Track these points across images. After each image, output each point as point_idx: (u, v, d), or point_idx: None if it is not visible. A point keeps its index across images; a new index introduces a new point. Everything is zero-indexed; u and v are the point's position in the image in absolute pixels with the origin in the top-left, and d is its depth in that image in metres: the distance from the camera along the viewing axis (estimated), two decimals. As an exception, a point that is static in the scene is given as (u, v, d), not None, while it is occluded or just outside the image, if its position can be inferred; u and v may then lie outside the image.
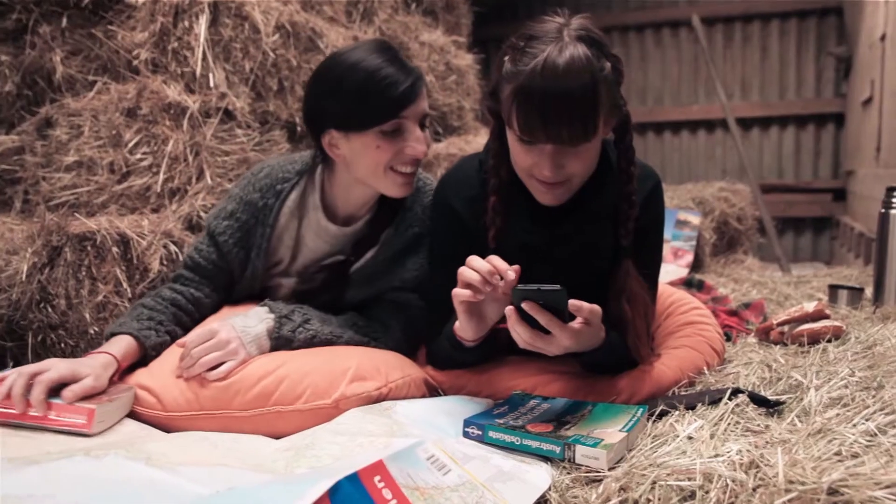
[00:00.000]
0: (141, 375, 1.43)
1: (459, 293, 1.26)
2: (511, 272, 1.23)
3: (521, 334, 1.21)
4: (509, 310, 1.21)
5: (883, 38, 4.38)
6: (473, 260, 1.25)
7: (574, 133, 1.22)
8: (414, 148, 1.48)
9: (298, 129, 2.60)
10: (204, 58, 2.29)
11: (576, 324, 1.21)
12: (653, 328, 1.57)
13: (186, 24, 2.28)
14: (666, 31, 6.68)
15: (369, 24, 3.15)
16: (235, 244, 1.63)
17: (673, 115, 6.67)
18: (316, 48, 2.68)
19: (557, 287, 1.17)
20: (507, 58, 1.27)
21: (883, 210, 2.06)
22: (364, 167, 1.51)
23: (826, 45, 6.27)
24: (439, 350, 1.48)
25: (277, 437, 1.32)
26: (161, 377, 1.41)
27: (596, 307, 1.22)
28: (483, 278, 1.23)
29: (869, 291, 2.16)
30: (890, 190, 2.07)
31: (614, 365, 1.40)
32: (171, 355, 1.46)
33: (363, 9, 3.15)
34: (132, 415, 1.37)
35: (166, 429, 1.36)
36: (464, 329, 1.35)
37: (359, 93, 1.44)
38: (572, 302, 1.18)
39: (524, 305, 1.19)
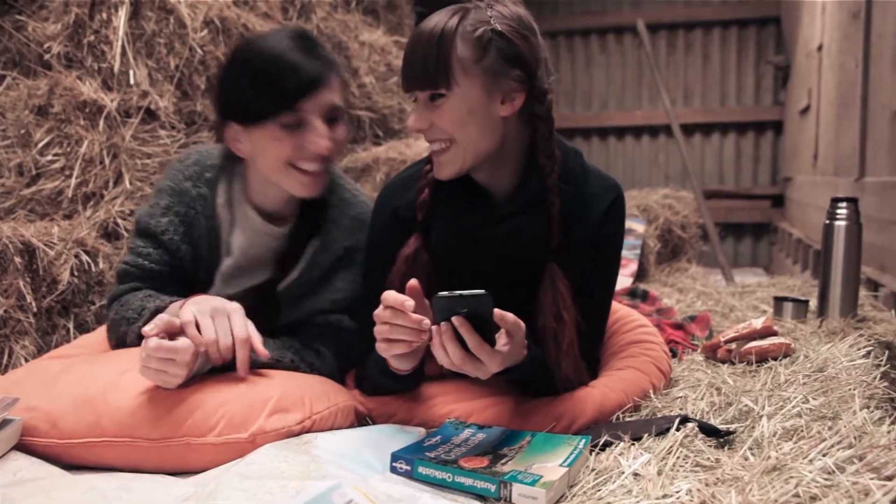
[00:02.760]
0: (34, 397, 1.27)
1: (388, 350, 1.18)
2: (408, 302, 1.14)
3: (450, 355, 1.11)
4: (437, 329, 1.11)
5: (819, 48, 4.44)
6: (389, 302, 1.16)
7: (419, 75, 1.25)
8: (315, 143, 1.36)
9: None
10: (123, 53, 2.14)
11: (502, 346, 1.12)
12: (599, 351, 1.49)
13: (104, 16, 2.13)
14: (611, 37, 6.70)
15: (307, 21, 3.02)
16: (182, 240, 1.47)
17: (617, 121, 6.69)
18: (248, 45, 2.55)
19: (481, 292, 1.08)
20: None
21: (827, 221, 2.03)
22: (265, 163, 1.40)
23: (765, 54, 6.38)
24: (368, 375, 1.37)
25: (185, 473, 1.19)
26: (59, 399, 1.25)
27: (519, 321, 1.14)
28: (415, 330, 1.14)
29: (813, 303, 2.13)
30: (834, 201, 2.04)
31: (541, 382, 1.31)
32: (72, 373, 1.31)
33: (300, 6, 3.02)
34: (20, 447, 1.22)
35: (63, 458, 1.22)
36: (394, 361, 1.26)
37: (256, 81, 1.34)
38: (496, 312, 1.10)
39: (455, 322, 1.09)
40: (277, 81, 1.34)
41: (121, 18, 2.11)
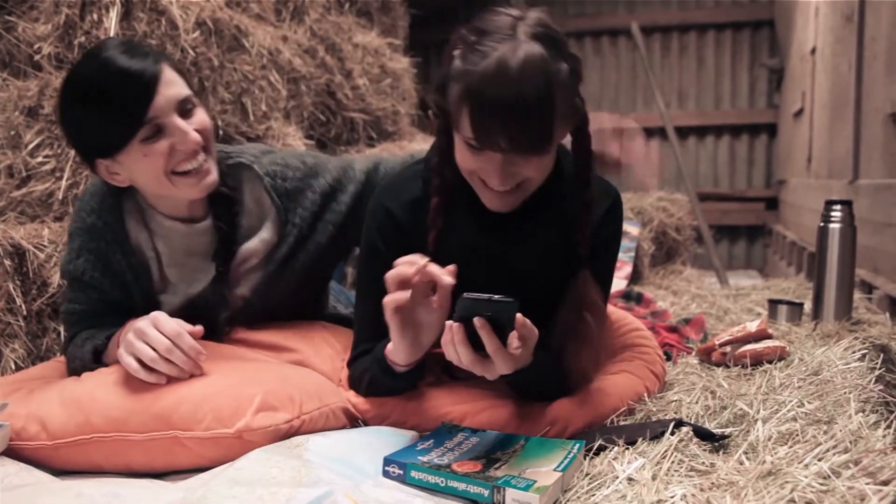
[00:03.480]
0: (22, 402, 1.27)
1: (391, 299, 1.18)
2: (446, 277, 1.14)
3: (462, 356, 1.11)
4: (453, 326, 1.10)
5: (813, 51, 4.45)
6: (402, 261, 1.16)
7: (526, 142, 1.12)
8: (183, 142, 1.33)
9: (221, 132, 2.44)
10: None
11: (515, 349, 1.11)
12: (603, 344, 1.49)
13: (95, 17, 2.10)
14: (605, 39, 6.70)
15: (300, 23, 3.01)
16: (102, 275, 1.46)
17: (611, 123, 6.68)
18: (241, 47, 2.53)
19: (510, 299, 1.07)
20: (456, 52, 1.16)
21: (822, 224, 2.03)
22: (146, 182, 1.38)
23: (759, 57, 6.39)
24: (364, 374, 1.35)
25: (173, 472, 1.19)
26: (46, 401, 1.25)
27: (534, 328, 1.14)
28: (418, 270, 1.14)
29: (808, 306, 2.12)
30: (828, 204, 2.03)
31: (543, 386, 1.30)
32: (55, 384, 1.31)
33: (293, 7, 3.01)
34: (9, 452, 1.21)
35: (52, 462, 1.22)
36: (396, 350, 1.25)
37: (97, 111, 1.29)
38: (518, 318, 1.09)
39: (477, 323, 1.08)
40: (117, 102, 1.28)
41: (112, 19, 2.09)
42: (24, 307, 1.77)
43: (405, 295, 1.18)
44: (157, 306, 1.49)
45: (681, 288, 2.85)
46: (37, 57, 2.12)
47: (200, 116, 1.37)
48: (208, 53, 2.36)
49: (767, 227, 6.23)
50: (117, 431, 1.20)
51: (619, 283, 2.83)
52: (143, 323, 1.26)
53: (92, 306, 1.48)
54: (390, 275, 1.18)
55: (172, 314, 1.35)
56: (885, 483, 0.88)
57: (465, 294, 1.10)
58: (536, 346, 1.19)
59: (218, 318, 1.52)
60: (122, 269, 1.46)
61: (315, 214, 1.53)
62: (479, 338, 1.10)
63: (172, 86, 1.32)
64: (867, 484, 0.88)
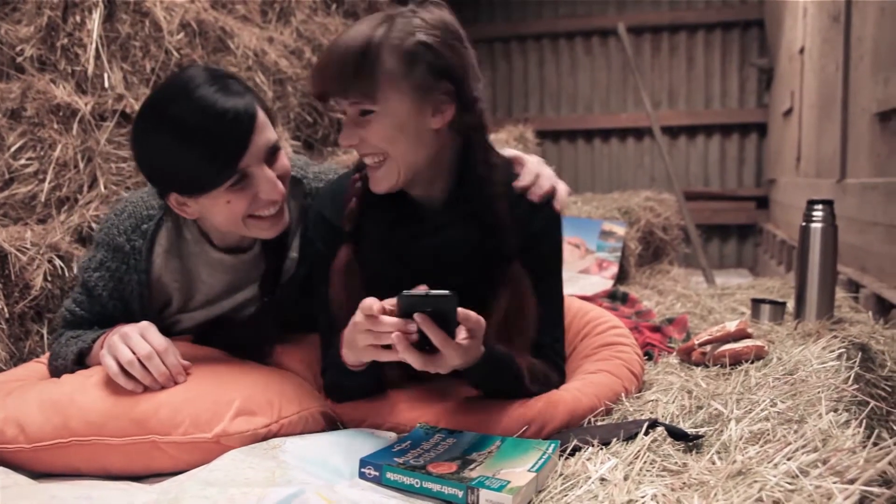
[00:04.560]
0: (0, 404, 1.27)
1: (376, 355, 1.17)
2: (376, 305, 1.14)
3: (410, 362, 1.12)
4: (397, 337, 1.11)
5: (802, 51, 4.46)
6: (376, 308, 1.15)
7: (342, 87, 1.21)
8: (267, 193, 1.32)
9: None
10: (97, 56, 2.12)
11: (462, 339, 1.12)
12: (567, 351, 1.48)
13: (77, 18, 2.11)
14: (596, 40, 6.71)
15: (286, 24, 3.01)
16: (110, 296, 1.45)
17: (602, 123, 6.70)
18: (226, 48, 2.53)
19: (447, 292, 1.08)
20: None
21: (804, 223, 2.04)
22: (221, 221, 1.36)
23: (749, 57, 6.40)
24: (331, 379, 1.36)
25: (151, 476, 1.20)
26: (25, 404, 1.25)
27: (481, 319, 1.15)
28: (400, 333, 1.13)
29: (791, 305, 2.13)
30: (810, 203, 2.04)
31: (502, 381, 1.30)
32: (34, 386, 1.30)
33: (279, 8, 3.00)
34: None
35: (30, 465, 1.22)
36: (347, 354, 1.26)
37: (190, 152, 1.25)
38: (460, 310, 1.11)
39: (417, 318, 1.09)
40: (212, 148, 1.25)
41: (95, 21, 2.09)
42: (6, 310, 1.77)
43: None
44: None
45: (667, 287, 2.86)
46: (19, 59, 2.12)
47: (283, 161, 1.36)
48: (193, 55, 2.36)
49: (758, 227, 6.25)
50: (95, 435, 1.20)
51: (604, 282, 2.84)
52: (130, 329, 1.27)
53: (92, 317, 1.47)
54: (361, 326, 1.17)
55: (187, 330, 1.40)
56: (852, 482, 0.89)
57: (403, 292, 1.11)
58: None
59: (264, 341, 1.52)
60: (132, 296, 1.45)
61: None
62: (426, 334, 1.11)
63: (264, 131, 1.30)
64: (834, 483, 0.89)
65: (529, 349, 1.33)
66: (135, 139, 1.34)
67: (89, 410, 1.22)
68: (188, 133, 1.25)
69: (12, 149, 2.03)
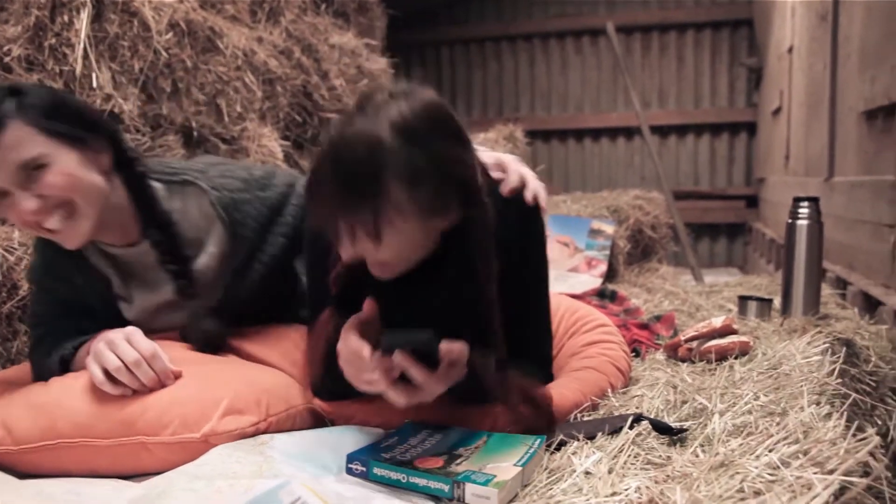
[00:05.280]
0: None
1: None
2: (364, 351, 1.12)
3: (396, 401, 1.12)
4: (380, 375, 1.10)
5: (790, 50, 4.49)
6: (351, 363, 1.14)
7: (345, 216, 1.07)
8: (19, 214, 1.26)
9: (195, 133, 2.44)
10: (86, 56, 2.11)
11: (444, 369, 1.12)
12: (554, 350, 1.48)
13: (65, 18, 2.10)
14: (586, 39, 6.74)
15: (275, 24, 3.01)
16: (62, 283, 1.47)
17: (593, 122, 6.73)
18: (215, 48, 2.53)
19: (428, 335, 1.08)
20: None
21: (790, 220, 2.05)
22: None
23: (738, 56, 6.44)
24: (321, 380, 1.36)
25: (140, 476, 1.19)
26: (12, 405, 1.26)
27: (464, 350, 1.13)
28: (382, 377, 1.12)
29: (777, 302, 2.15)
30: (796, 200, 2.06)
31: (478, 393, 1.27)
32: (21, 388, 1.31)
33: (269, 8, 3.00)
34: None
35: (17, 467, 1.22)
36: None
37: None
38: (443, 346, 1.10)
39: (396, 357, 1.09)
40: None
41: (83, 21, 2.08)
42: (-8, 312, 1.77)
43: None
44: (118, 314, 1.50)
45: (655, 285, 2.87)
46: (6, 59, 2.11)
47: (49, 179, 1.25)
48: (182, 55, 2.36)
49: (748, 225, 6.28)
50: (83, 437, 1.20)
51: (593, 281, 2.85)
52: (115, 335, 1.26)
53: (50, 308, 1.48)
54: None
55: (137, 322, 1.36)
56: (831, 472, 0.90)
57: (385, 331, 1.10)
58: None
59: (209, 336, 1.52)
60: (80, 283, 1.46)
61: (264, 226, 1.51)
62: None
63: (11, 150, 1.23)
64: (814, 473, 0.90)
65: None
66: None
67: (77, 412, 1.22)
68: None
69: (0, 149, 2.02)
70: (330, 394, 1.37)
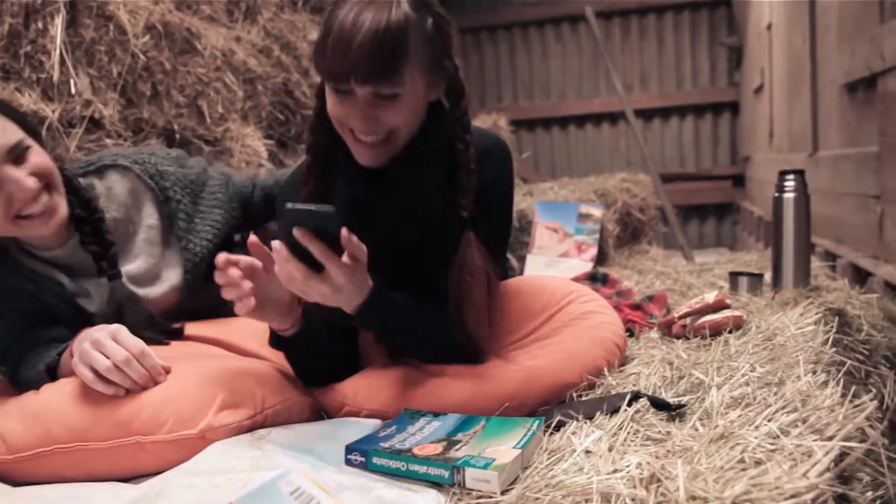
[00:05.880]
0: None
1: (245, 311, 1.20)
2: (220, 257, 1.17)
3: (293, 272, 1.12)
4: (278, 245, 1.12)
5: (769, 27, 4.50)
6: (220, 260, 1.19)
7: (373, 70, 1.16)
8: (20, 191, 1.32)
9: (177, 136, 2.43)
10: (62, 62, 2.09)
11: (347, 258, 1.13)
12: (495, 308, 1.44)
13: (40, 25, 2.07)
14: (565, 26, 6.73)
15: (252, 23, 2.99)
16: (13, 299, 1.44)
17: (576, 109, 6.73)
18: (193, 50, 2.51)
19: (330, 208, 1.08)
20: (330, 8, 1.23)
21: (776, 194, 2.05)
22: None
23: (718, 36, 6.45)
24: (287, 356, 1.39)
25: (138, 476, 1.19)
26: (5, 415, 1.24)
27: (363, 247, 1.15)
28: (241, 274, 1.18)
29: (768, 276, 2.15)
30: (782, 174, 2.06)
31: (400, 331, 1.31)
32: (10, 398, 1.29)
33: (245, 7, 2.99)
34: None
35: (12, 476, 1.20)
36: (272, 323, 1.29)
37: None
38: (344, 233, 1.10)
39: (296, 232, 1.09)
40: None
41: (57, 27, 2.06)
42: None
43: (249, 303, 1.19)
44: (82, 312, 1.49)
45: (646, 267, 2.87)
46: (-18, 69, 2.09)
47: (36, 159, 1.35)
48: (160, 57, 2.34)
49: (735, 205, 6.30)
50: (78, 441, 1.19)
51: (584, 265, 2.86)
52: (100, 334, 1.25)
53: (15, 324, 1.45)
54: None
55: (99, 319, 1.36)
56: (830, 438, 0.90)
57: (287, 205, 1.10)
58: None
59: (139, 320, 1.51)
60: (21, 286, 1.45)
61: (193, 192, 1.58)
62: (311, 256, 1.11)
63: (1, 135, 1.30)
64: (814, 440, 0.90)
65: (484, 323, 1.33)
66: None
67: (71, 416, 1.21)
68: None
69: (-20, 159, 2.00)
70: (304, 374, 1.38)
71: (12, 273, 1.44)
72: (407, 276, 1.31)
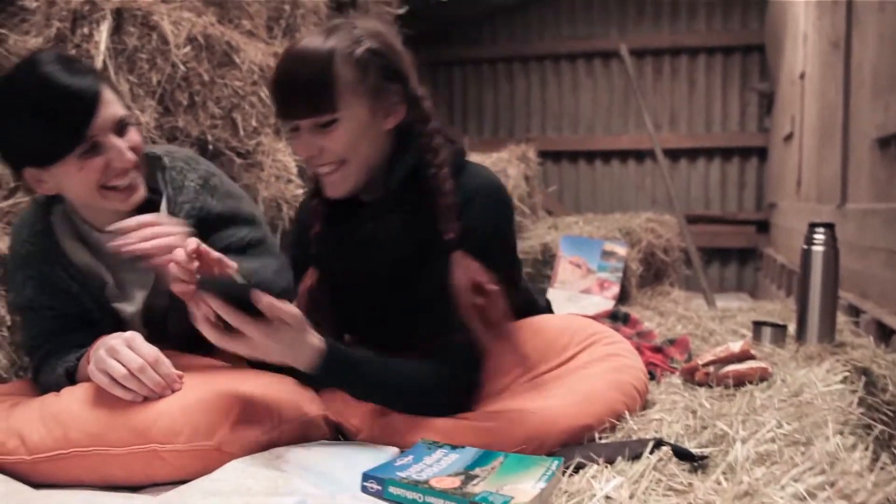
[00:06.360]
0: (2, 415, 1.27)
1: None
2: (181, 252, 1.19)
3: (206, 333, 1.16)
4: (192, 306, 1.15)
5: (802, 76, 4.49)
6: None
7: (304, 103, 1.26)
8: (118, 160, 1.36)
9: (210, 146, 2.45)
10: (105, 68, 2.12)
11: (266, 325, 1.15)
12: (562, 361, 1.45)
13: (86, 30, 2.11)
14: (597, 61, 6.75)
15: (291, 39, 3.02)
16: (52, 297, 1.45)
17: (604, 144, 6.73)
18: (231, 63, 2.54)
19: (242, 282, 1.13)
20: None
21: (805, 246, 2.04)
22: (76, 193, 1.40)
23: (750, 81, 6.44)
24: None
25: (152, 485, 1.19)
26: (25, 416, 1.25)
27: (295, 313, 1.17)
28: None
29: (792, 328, 2.13)
30: (812, 226, 2.05)
31: (362, 389, 1.31)
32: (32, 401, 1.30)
33: (285, 24, 3.02)
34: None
35: (30, 477, 1.21)
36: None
37: (38, 122, 1.31)
38: (266, 300, 1.13)
39: (204, 297, 1.13)
40: (59, 119, 1.31)
41: (102, 33, 2.10)
42: (8, 318, 1.76)
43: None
44: (116, 316, 1.49)
45: (668, 309, 2.85)
46: (27, 69, 2.12)
47: (134, 136, 1.41)
48: (199, 69, 2.37)
49: (759, 251, 6.25)
50: (96, 446, 1.19)
51: (606, 302, 2.84)
52: (116, 341, 1.26)
53: (49, 325, 1.46)
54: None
55: (133, 325, 1.36)
56: (860, 504, 0.88)
57: (200, 277, 1.16)
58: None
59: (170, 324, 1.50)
60: (67, 286, 1.45)
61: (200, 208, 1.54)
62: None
63: (111, 105, 1.36)
64: (842, 505, 0.88)
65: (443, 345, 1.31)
66: None
67: (89, 421, 1.21)
68: (34, 105, 1.31)
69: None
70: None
71: (61, 270, 1.45)
72: (386, 311, 1.35)
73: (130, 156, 1.37)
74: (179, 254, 1.19)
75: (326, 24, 1.32)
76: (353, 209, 1.40)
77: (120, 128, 1.38)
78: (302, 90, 1.25)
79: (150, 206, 1.48)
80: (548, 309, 1.70)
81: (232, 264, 1.27)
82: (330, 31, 1.28)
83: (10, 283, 1.52)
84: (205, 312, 1.14)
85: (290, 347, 1.19)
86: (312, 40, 1.27)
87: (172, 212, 1.49)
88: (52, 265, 1.45)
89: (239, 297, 1.13)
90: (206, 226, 1.48)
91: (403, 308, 1.37)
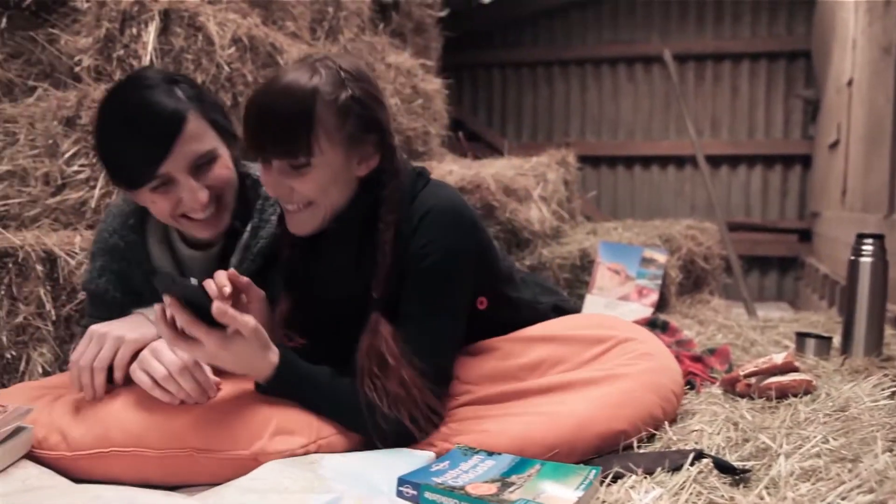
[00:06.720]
0: (45, 410, 1.29)
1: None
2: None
3: (161, 332, 1.17)
4: (157, 307, 1.16)
5: (850, 83, 4.40)
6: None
7: (280, 144, 1.22)
8: (189, 200, 1.35)
9: (253, 147, 2.48)
10: (151, 67, 2.16)
11: (217, 333, 1.15)
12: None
13: (134, 31, 2.15)
14: (639, 66, 6.69)
15: (334, 41, 3.05)
16: (124, 295, 1.48)
17: (643, 150, 6.67)
18: (275, 64, 2.57)
19: (194, 283, 1.12)
20: None
21: (853, 257, 1.99)
22: (158, 217, 1.42)
23: (795, 88, 6.33)
24: None
25: (189, 486, 1.20)
26: (67, 413, 1.28)
27: (249, 323, 1.16)
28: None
29: (837, 340, 2.08)
30: (860, 237, 2.00)
31: (316, 403, 1.28)
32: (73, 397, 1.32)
33: (328, 26, 3.05)
34: (30, 457, 1.23)
35: (70, 472, 1.23)
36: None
37: (116, 157, 1.33)
38: (218, 307, 1.12)
39: (165, 300, 1.13)
40: (132, 154, 1.31)
41: (150, 34, 2.13)
42: (53, 312, 1.80)
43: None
44: None
45: (707, 317, 2.81)
46: (77, 69, 2.17)
47: (218, 171, 1.38)
48: (243, 69, 2.40)
49: (800, 260, 6.14)
50: (135, 446, 1.21)
51: (644, 310, 2.80)
52: (159, 343, 1.27)
53: (115, 318, 1.47)
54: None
55: None
56: (910, 525, 0.85)
57: (159, 273, 1.16)
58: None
59: None
60: (142, 289, 1.47)
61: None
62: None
63: (190, 142, 1.33)
64: (891, 525, 0.86)
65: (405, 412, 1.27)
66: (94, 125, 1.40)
67: (129, 421, 1.23)
68: (117, 130, 1.32)
69: (66, 155, 2.08)
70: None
71: (141, 273, 1.48)
72: (339, 337, 1.34)
73: (203, 196, 1.35)
74: (219, 292, 1.19)
75: (309, 59, 1.28)
76: (315, 237, 1.37)
77: (199, 165, 1.35)
78: (279, 130, 1.21)
79: (233, 233, 1.49)
80: (563, 313, 1.65)
81: (260, 292, 1.30)
82: (314, 70, 1.23)
83: (90, 262, 1.54)
84: (163, 310, 1.15)
85: (243, 359, 1.20)
86: (297, 77, 1.22)
87: (249, 245, 1.49)
88: (134, 265, 1.48)
89: (198, 304, 1.13)
90: (271, 261, 1.49)
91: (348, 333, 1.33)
